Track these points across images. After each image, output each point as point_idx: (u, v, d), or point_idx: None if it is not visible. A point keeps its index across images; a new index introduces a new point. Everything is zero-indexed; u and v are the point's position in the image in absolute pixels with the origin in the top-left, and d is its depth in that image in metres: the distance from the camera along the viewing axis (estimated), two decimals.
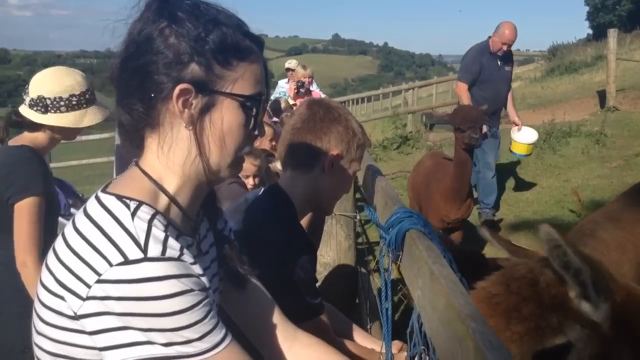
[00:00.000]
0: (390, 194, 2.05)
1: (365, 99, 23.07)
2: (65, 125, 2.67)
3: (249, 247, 1.93)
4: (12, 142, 2.74)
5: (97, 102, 2.76)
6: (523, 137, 6.86)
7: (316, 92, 8.47)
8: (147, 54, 1.17)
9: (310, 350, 1.53)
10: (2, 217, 2.59)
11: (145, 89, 1.18)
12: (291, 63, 8.33)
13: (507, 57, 7.04)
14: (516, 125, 6.99)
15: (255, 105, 1.25)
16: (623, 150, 9.34)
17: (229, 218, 2.08)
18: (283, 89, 8.27)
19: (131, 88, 1.20)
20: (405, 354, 1.94)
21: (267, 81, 1.30)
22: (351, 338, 2.33)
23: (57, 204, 3.03)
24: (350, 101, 24.07)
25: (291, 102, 7.10)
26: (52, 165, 8.85)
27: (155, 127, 1.23)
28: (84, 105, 2.70)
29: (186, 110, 1.19)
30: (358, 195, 3.86)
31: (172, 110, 1.19)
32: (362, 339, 2.36)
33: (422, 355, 1.58)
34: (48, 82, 2.67)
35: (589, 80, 17.09)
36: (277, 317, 1.52)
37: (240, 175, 3.56)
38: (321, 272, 3.20)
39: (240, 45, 1.22)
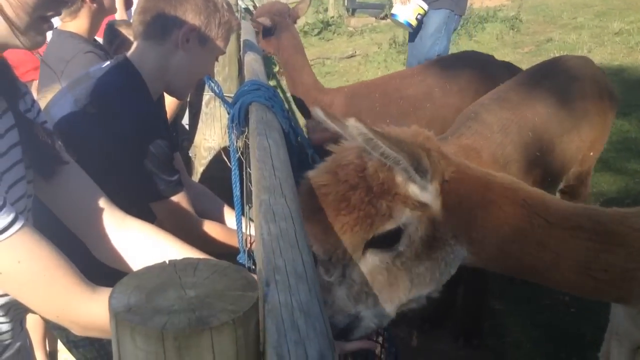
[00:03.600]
0: (253, 67, 1.89)
1: None
2: None
3: (94, 122, 1.76)
4: None
5: None
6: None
7: None
8: None
9: (140, 236, 1.41)
10: None
11: None
12: None
13: None
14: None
15: None
16: (536, 35, 9.42)
17: (67, 92, 1.88)
18: None
19: None
20: None
21: None
22: (222, 220, 2.26)
23: None
24: None
25: None
26: None
27: None
28: None
29: None
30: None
31: None
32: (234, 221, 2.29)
33: None
34: None
35: None
36: (101, 203, 1.38)
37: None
38: (205, 157, 3.07)
39: None
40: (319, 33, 13.36)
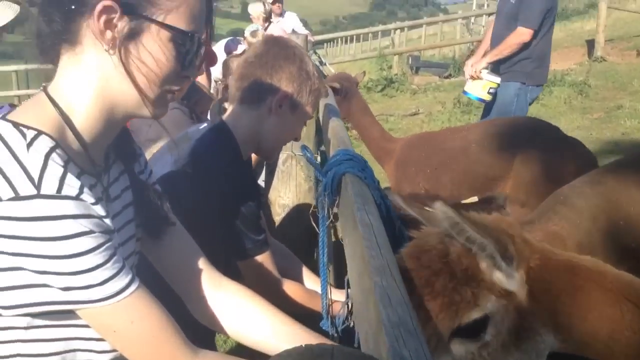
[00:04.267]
0: (339, 134, 1.96)
1: (354, 37, 22.39)
2: None
3: (191, 181, 1.86)
4: None
5: None
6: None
7: (287, 22, 8.19)
8: None
9: (235, 298, 1.46)
10: None
11: None
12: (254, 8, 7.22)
13: None
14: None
15: (188, 43, 1.14)
16: (605, 102, 9.27)
17: (167, 151, 2.00)
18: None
19: None
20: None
21: (209, 19, 1.19)
22: (301, 281, 2.29)
23: None
24: (339, 39, 23.49)
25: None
26: None
27: (74, 45, 1.11)
28: None
29: (108, 31, 1.08)
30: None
31: (93, 28, 1.08)
32: (312, 283, 2.32)
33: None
34: None
35: (580, 29, 16.79)
36: (201, 264, 1.44)
37: None
38: (279, 214, 3.14)
39: None
40: (382, 89, 13.58)
